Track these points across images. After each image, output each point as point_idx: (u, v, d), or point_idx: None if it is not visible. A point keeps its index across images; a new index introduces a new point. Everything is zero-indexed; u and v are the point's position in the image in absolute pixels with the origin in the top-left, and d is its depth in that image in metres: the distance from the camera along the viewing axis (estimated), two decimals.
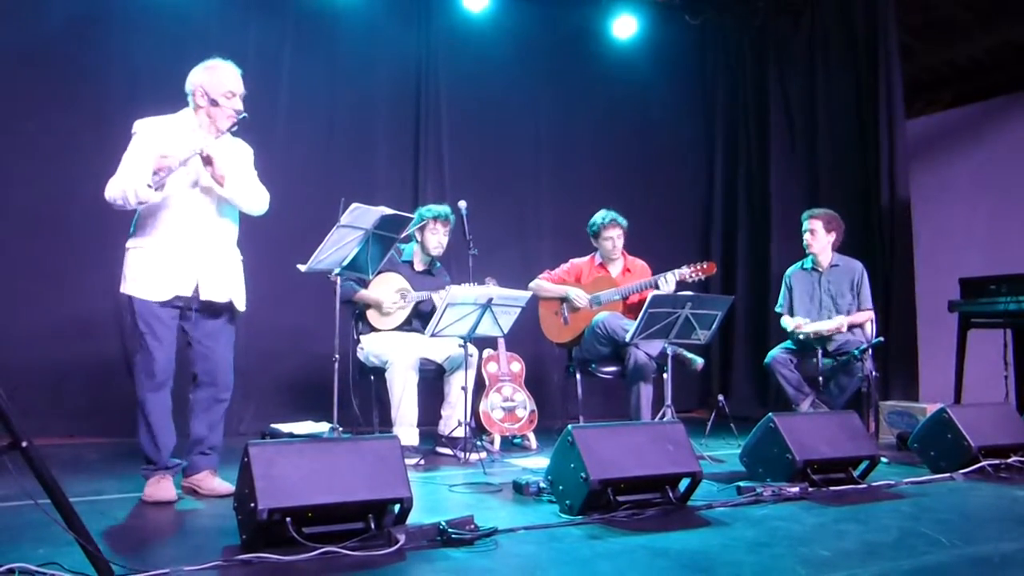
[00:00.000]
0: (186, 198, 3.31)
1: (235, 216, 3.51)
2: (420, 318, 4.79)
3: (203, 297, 3.33)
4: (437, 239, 4.83)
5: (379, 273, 4.50)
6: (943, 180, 7.17)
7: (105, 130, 5.28)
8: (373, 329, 4.73)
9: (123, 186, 3.18)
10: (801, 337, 5.05)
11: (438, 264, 5.05)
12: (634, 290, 4.99)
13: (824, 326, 4.99)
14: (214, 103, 3.36)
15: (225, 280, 3.40)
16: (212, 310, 3.40)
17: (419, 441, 4.49)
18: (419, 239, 4.85)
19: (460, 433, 4.42)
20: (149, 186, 3.13)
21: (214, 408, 3.45)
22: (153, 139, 3.29)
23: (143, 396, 3.29)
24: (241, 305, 3.49)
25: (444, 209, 4.86)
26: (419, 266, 4.93)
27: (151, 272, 3.28)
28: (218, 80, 3.37)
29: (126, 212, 3.36)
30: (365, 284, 4.70)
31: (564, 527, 2.89)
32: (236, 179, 3.36)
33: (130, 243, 3.36)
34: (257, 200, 3.47)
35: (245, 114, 3.39)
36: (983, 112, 7.10)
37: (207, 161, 3.25)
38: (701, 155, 7.54)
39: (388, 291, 4.73)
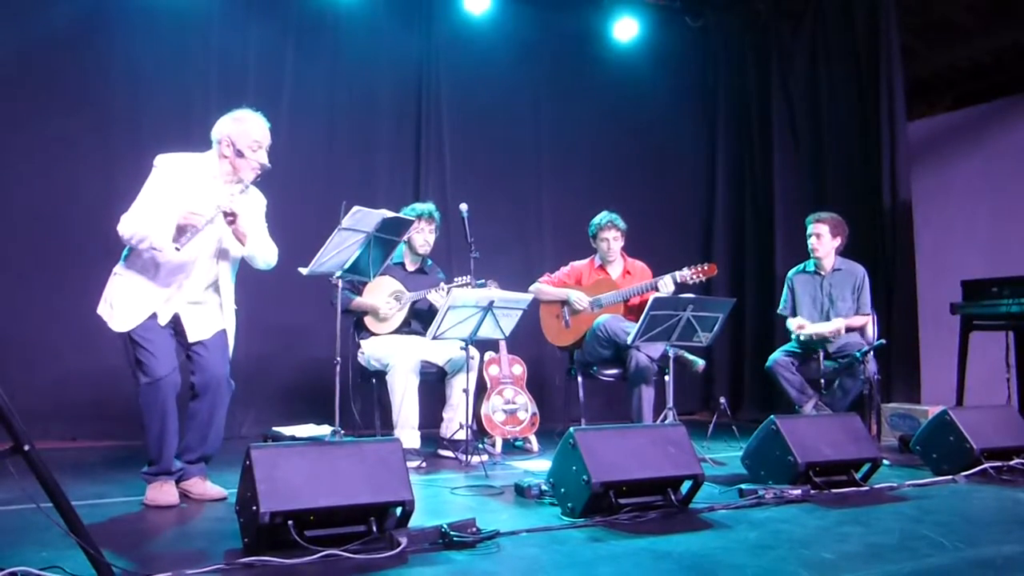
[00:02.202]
0: (193, 249, 3.26)
1: (234, 271, 3.50)
2: (418, 318, 4.80)
3: (192, 339, 3.33)
4: (423, 237, 4.83)
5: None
6: (945, 182, 7.16)
7: (108, 133, 5.32)
8: (373, 334, 4.73)
9: (144, 232, 3.15)
10: (803, 339, 5.06)
11: (429, 262, 5.05)
12: (635, 292, 4.99)
13: (823, 328, 5.00)
14: (239, 154, 3.35)
15: (216, 318, 3.41)
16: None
17: (420, 444, 4.49)
18: (406, 239, 4.84)
19: (462, 436, 4.42)
20: (177, 248, 3.12)
21: (210, 420, 3.41)
22: (175, 181, 3.27)
23: (147, 400, 3.26)
24: (230, 347, 3.48)
25: (428, 207, 4.87)
26: (411, 266, 4.94)
27: (129, 303, 3.26)
28: (245, 131, 3.36)
29: None
30: (358, 290, 4.71)
31: (566, 530, 2.89)
32: (256, 237, 3.39)
33: (118, 268, 3.34)
34: (269, 257, 3.50)
35: (266, 166, 3.40)
36: (985, 114, 7.09)
37: (231, 219, 3.24)
38: (703, 157, 7.54)
39: (382, 296, 4.73)
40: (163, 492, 3.27)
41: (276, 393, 5.72)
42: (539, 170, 6.85)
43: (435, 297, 4.66)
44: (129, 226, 3.18)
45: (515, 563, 2.50)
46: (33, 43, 5.14)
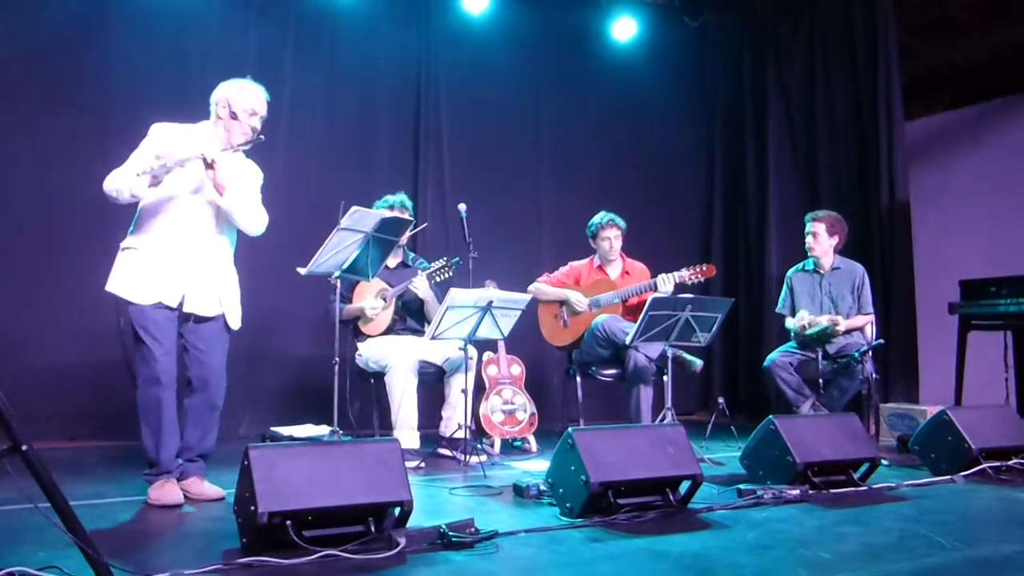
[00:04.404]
0: (186, 207, 3.32)
1: (232, 235, 3.53)
2: (408, 311, 4.76)
3: (187, 309, 3.34)
4: None
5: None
6: (943, 181, 7.17)
7: (106, 132, 5.30)
8: (368, 337, 4.72)
9: (118, 180, 3.21)
10: (807, 333, 5.01)
11: (411, 255, 5.01)
12: (633, 292, 4.99)
13: (821, 318, 4.99)
14: (234, 116, 3.42)
15: (215, 295, 3.41)
16: (204, 319, 3.41)
17: (420, 444, 4.48)
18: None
19: (460, 435, 4.42)
20: (138, 175, 3.14)
21: (207, 415, 3.43)
22: (163, 142, 3.31)
23: (146, 397, 3.27)
24: (234, 322, 3.49)
25: (399, 197, 4.80)
26: (392, 262, 4.84)
27: (138, 275, 3.29)
28: (244, 96, 3.45)
29: (128, 212, 3.38)
30: (348, 298, 4.69)
31: (564, 530, 2.89)
32: (236, 191, 3.38)
33: (125, 243, 3.38)
34: (255, 219, 3.49)
35: (262, 136, 3.44)
36: (983, 113, 7.10)
37: (209, 166, 3.26)
38: (701, 156, 7.55)
39: (368, 298, 4.70)
40: (166, 491, 3.27)
41: (274, 393, 5.72)
42: (538, 169, 6.85)
43: (416, 285, 4.60)
44: (109, 180, 3.23)
45: (513, 563, 2.50)
46: (33, 43, 5.13)
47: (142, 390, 3.28)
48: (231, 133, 3.43)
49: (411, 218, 4.61)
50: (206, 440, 3.45)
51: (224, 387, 3.46)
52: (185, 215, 3.33)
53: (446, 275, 4.60)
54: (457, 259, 4.65)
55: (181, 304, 3.33)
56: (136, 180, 3.16)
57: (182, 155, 3.21)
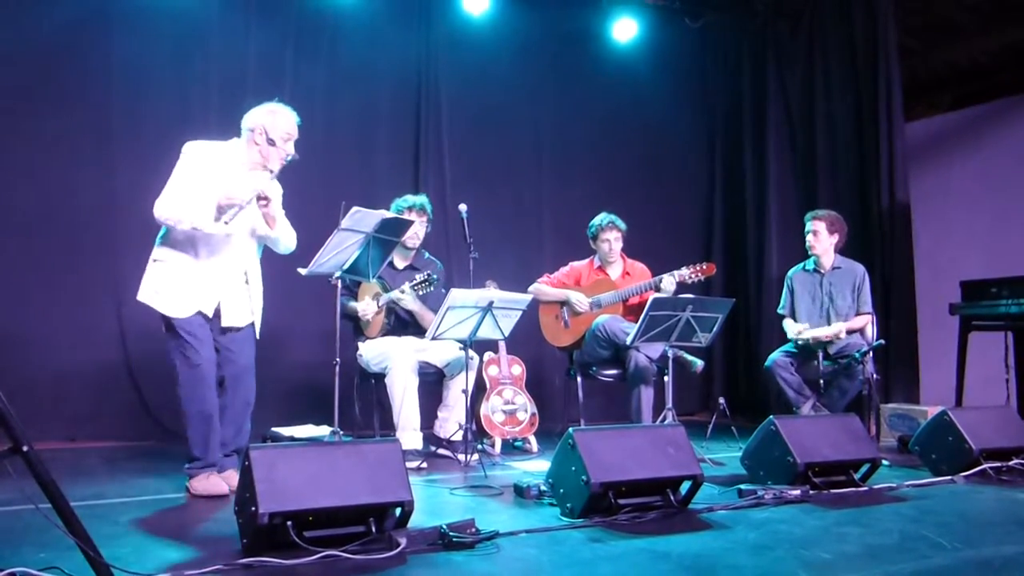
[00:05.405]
0: (230, 226, 3.40)
1: (261, 247, 3.67)
2: (411, 316, 4.71)
3: (224, 324, 3.48)
4: (412, 229, 4.57)
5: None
6: (943, 182, 7.17)
7: (107, 133, 5.32)
8: (368, 338, 4.72)
9: (182, 214, 3.30)
10: (801, 343, 5.08)
11: (426, 255, 4.98)
12: (634, 292, 4.99)
13: (822, 332, 5.00)
14: (271, 143, 3.52)
15: (248, 308, 3.57)
16: (237, 328, 3.56)
17: (423, 445, 4.47)
18: None
19: (460, 436, 4.41)
20: (226, 222, 3.28)
21: (242, 412, 3.58)
22: (204, 166, 3.41)
23: (194, 396, 3.37)
24: (257, 331, 3.65)
25: (419, 199, 4.78)
26: (400, 263, 4.82)
27: (175, 288, 3.39)
28: (279, 124, 3.54)
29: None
30: (356, 296, 4.70)
31: (565, 530, 2.90)
32: (284, 221, 3.56)
33: (157, 255, 3.46)
34: (290, 240, 3.66)
35: (293, 156, 3.56)
36: (984, 114, 7.09)
37: (265, 204, 3.41)
38: (701, 157, 7.55)
39: (366, 299, 4.70)
40: (212, 483, 3.37)
41: (275, 394, 5.69)
42: (538, 170, 6.85)
43: (398, 297, 4.56)
44: (167, 208, 3.32)
45: (514, 564, 2.50)
46: (33, 44, 5.13)
47: (190, 390, 3.38)
48: (268, 159, 3.53)
49: (412, 219, 4.59)
50: (241, 436, 3.59)
51: (254, 385, 3.61)
52: (221, 237, 3.43)
53: (427, 289, 4.59)
54: (435, 276, 4.62)
55: (217, 313, 3.45)
56: (218, 226, 3.29)
57: (245, 196, 3.31)
